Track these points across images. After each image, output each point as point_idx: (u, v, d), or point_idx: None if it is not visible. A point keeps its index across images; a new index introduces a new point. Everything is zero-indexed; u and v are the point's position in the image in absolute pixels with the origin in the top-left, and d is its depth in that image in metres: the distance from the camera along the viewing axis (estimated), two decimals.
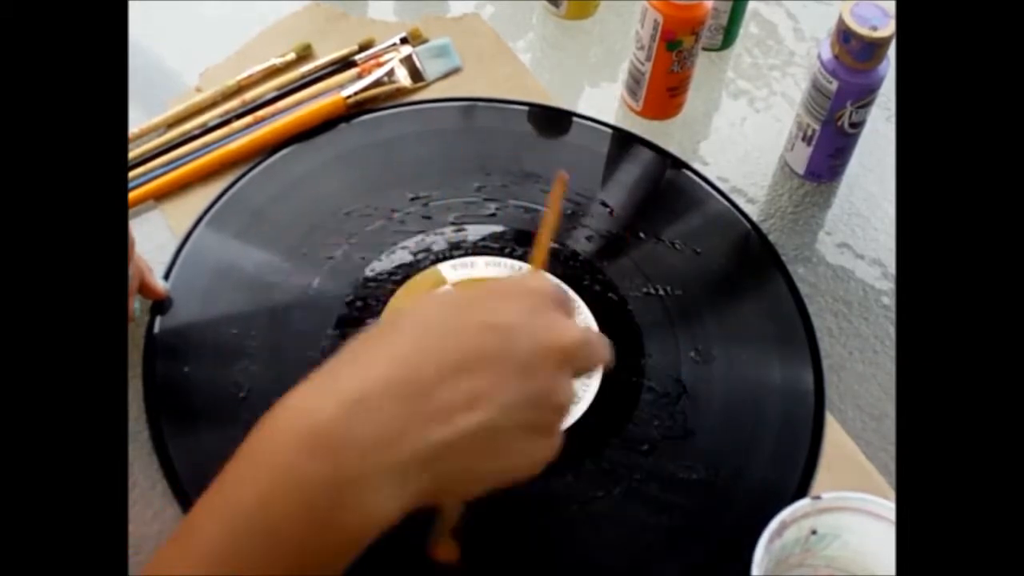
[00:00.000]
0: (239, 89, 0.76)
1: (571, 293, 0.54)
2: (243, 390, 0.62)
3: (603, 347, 0.49)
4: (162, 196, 0.71)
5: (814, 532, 0.54)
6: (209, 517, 0.42)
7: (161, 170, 0.72)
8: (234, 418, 0.60)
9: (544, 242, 0.54)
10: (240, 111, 0.75)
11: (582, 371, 0.48)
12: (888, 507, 0.53)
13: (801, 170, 0.76)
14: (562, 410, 0.46)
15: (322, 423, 0.41)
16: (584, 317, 0.53)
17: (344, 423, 0.41)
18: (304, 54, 0.79)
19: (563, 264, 0.69)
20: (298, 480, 0.40)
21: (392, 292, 0.66)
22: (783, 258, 0.71)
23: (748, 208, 0.74)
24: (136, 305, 0.64)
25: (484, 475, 0.45)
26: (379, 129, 0.75)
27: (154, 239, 0.69)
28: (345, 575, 0.44)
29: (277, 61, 0.78)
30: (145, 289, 0.64)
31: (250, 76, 0.77)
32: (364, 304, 0.66)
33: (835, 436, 0.64)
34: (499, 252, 0.69)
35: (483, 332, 0.44)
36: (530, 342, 0.44)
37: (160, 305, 0.65)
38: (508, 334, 0.44)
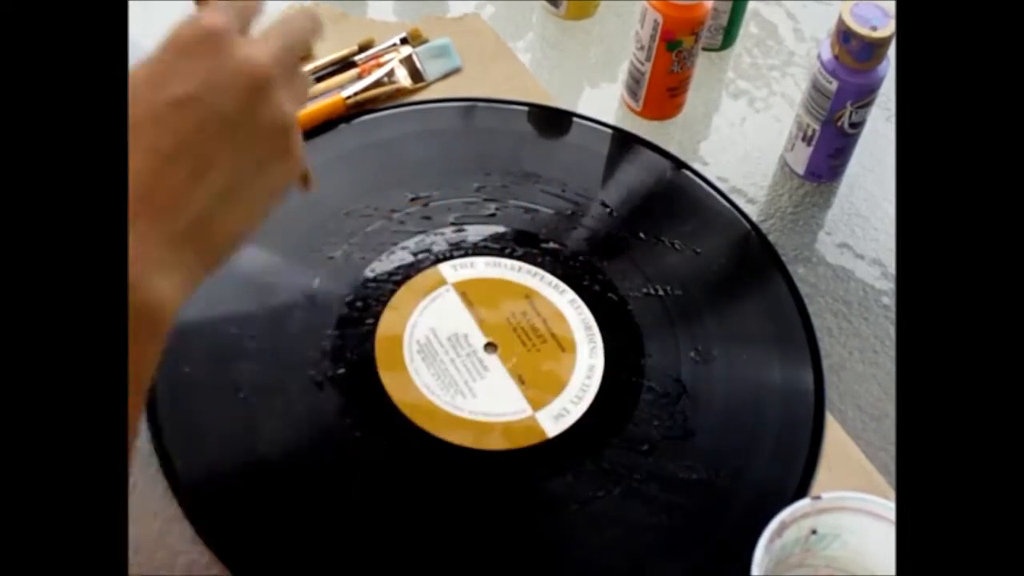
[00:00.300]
0: None
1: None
2: (243, 390, 0.62)
3: (296, 27, 0.48)
4: None
5: (814, 532, 0.54)
6: None
7: None
8: (234, 418, 0.60)
9: None
10: None
11: (291, 66, 0.47)
12: (888, 507, 0.53)
13: (801, 170, 0.76)
14: (286, 129, 0.46)
15: None
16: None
17: None
18: (304, 54, 0.79)
19: (563, 264, 0.69)
20: None
21: (392, 292, 0.66)
22: (783, 258, 0.71)
23: (748, 208, 0.74)
24: None
25: (246, 220, 0.47)
26: (379, 129, 0.75)
27: None
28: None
29: None
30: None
31: None
32: (364, 304, 0.66)
33: (835, 436, 0.64)
34: (499, 252, 0.69)
35: (175, 111, 0.42)
36: (222, 95, 0.43)
37: None
38: (198, 102, 0.43)
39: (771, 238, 0.72)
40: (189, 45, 0.43)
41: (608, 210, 0.72)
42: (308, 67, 0.78)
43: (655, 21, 0.73)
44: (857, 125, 0.73)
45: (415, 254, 0.68)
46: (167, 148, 0.42)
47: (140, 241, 0.41)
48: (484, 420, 0.61)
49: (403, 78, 0.77)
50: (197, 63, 0.43)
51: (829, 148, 0.74)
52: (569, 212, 0.72)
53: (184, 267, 0.43)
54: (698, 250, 0.71)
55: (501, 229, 0.70)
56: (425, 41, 0.80)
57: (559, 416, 0.62)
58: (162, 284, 0.42)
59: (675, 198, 0.74)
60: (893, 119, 0.81)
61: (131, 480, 0.58)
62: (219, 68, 0.43)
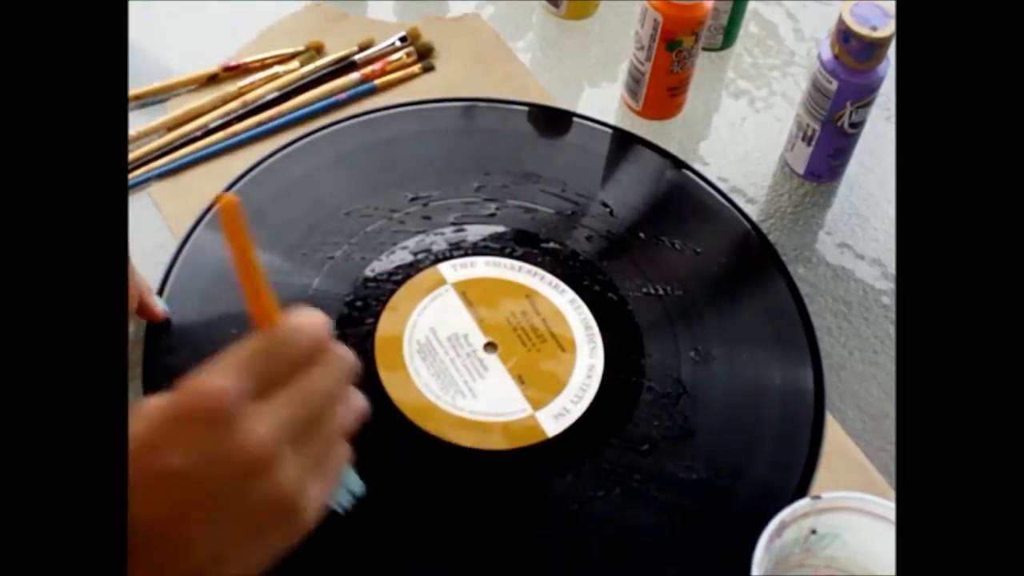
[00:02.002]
0: (240, 92, 0.76)
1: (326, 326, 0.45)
2: None
3: (317, 387, 0.44)
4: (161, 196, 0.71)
5: (814, 532, 0.54)
6: None
7: (161, 171, 0.72)
8: None
9: (249, 289, 0.45)
10: (240, 112, 0.75)
11: (304, 430, 0.43)
12: (888, 507, 0.53)
13: (801, 170, 0.76)
14: (286, 502, 0.42)
15: None
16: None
17: None
18: (316, 46, 0.79)
19: (563, 264, 0.69)
20: None
21: (392, 292, 0.66)
22: (783, 258, 0.71)
23: (748, 208, 0.74)
24: (161, 304, 0.64)
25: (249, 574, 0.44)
26: (379, 129, 0.75)
27: (154, 239, 0.69)
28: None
29: (286, 52, 0.79)
30: (143, 310, 0.62)
31: (263, 60, 0.78)
32: (364, 304, 0.66)
33: (835, 436, 0.64)
34: (499, 252, 0.69)
35: (165, 484, 0.41)
36: (214, 474, 0.41)
37: (158, 327, 0.64)
38: (188, 479, 0.41)
39: (771, 238, 0.72)
40: (190, 415, 0.41)
41: (608, 210, 0.72)
42: (309, 67, 0.78)
43: (655, 21, 0.73)
44: (857, 125, 0.73)
45: (415, 254, 0.68)
46: (155, 518, 0.40)
47: None
48: (484, 420, 0.61)
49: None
50: (195, 436, 0.41)
51: (829, 148, 0.74)
52: (569, 212, 0.72)
53: None
54: (698, 250, 0.71)
55: (501, 229, 0.70)
56: (425, 42, 0.80)
57: (559, 416, 0.62)
58: None
59: (675, 198, 0.74)
60: (893, 119, 0.81)
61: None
62: (215, 445, 0.41)
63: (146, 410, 0.41)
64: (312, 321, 0.44)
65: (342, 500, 0.48)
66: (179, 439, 0.41)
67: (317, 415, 0.44)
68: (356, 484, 0.48)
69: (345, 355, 0.45)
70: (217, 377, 0.42)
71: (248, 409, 0.41)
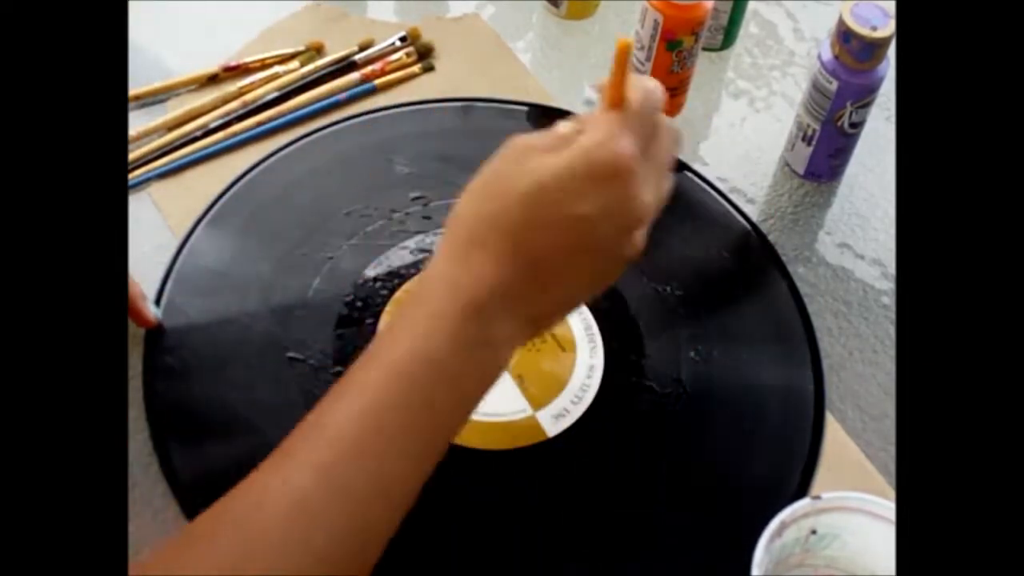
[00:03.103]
0: (240, 92, 0.77)
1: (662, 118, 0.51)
2: (243, 390, 0.62)
3: (672, 154, 0.52)
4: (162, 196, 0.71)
5: (814, 532, 0.54)
6: (363, 369, 0.47)
7: (161, 171, 0.72)
8: (234, 418, 0.60)
9: (618, 78, 0.50)
10: (240, 113, 0.75)
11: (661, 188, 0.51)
12: (888, 507, 0.53)
13: (801, 170, 0.76)
14: (636, 256, 0.50)
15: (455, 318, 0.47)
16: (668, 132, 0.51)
17: (474, 322, 0.47)
18: (316, 46, 0.79)
19: None
20: (451, 329, 0.47)
21: (392, 292, 0.66)
22: (783, 258, 0.71)
23: (748, 208, 0.74)
24: (153, 309, 0.64)
25: (577, 305, 0.53)
26: (379, 129, 0.75)
27: (154, 239, 0.69)
28: None
29: (286, 52, 0.79)
30: (135, 315, 0.63)
31: (263, 60, 0.78)
32: (364, 304, 0.66)
33: (835, 436, 0.64)
34: None
35: (567, 227, 0.47)
36: (610, 227, 0.48)
37: (151, 332, 0.64)
38: (590, 225, 0.47)
39: (771, 238, 0.72)
40: (600, 171, 0.47)
41: None
42: (309, 67, 0.78)
43: (655, 21, 0.73)
44: (857, 125, 0.73)
45: (415, 254, 0.68)
46: (542, 255, 0.48)
47: (494, 323, 0.48)
48: (484, 420, 0.61)
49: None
50: (603, 189, 0.47)
51: (829, 148, 0.74)
52: None
53: (521, 337, 0.50)
54: (698, 250, 0.71)
55: None
56: (424, 42, 0.80)
57: (559, 416, 0.62)
58: (505, 352, 0.49)
59: (675, 198, 0.74)
60: (893, 119, 0.81)
61: (131, 480, 0.58)
62: (617, 200, 0.48)
63: (569, 161, 0.48)
64: (656, 89, 0.51)
65: None
66: (589, 190, 0.47)
67: (666, 172, 0.52)
68: None
69: (672, 123, 0.52)
70: (620, 139, 0.48)
71: (643, 173, 0.49)
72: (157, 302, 0.65)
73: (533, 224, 0.47)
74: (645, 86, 0.50)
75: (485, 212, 0.48)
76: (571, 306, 0.52)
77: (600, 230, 0.48)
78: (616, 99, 0.49)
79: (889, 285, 0.72)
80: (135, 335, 0.63)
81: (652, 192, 0.49)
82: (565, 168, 0.47)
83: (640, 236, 0.50)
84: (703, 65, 0.79)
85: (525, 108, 0.77)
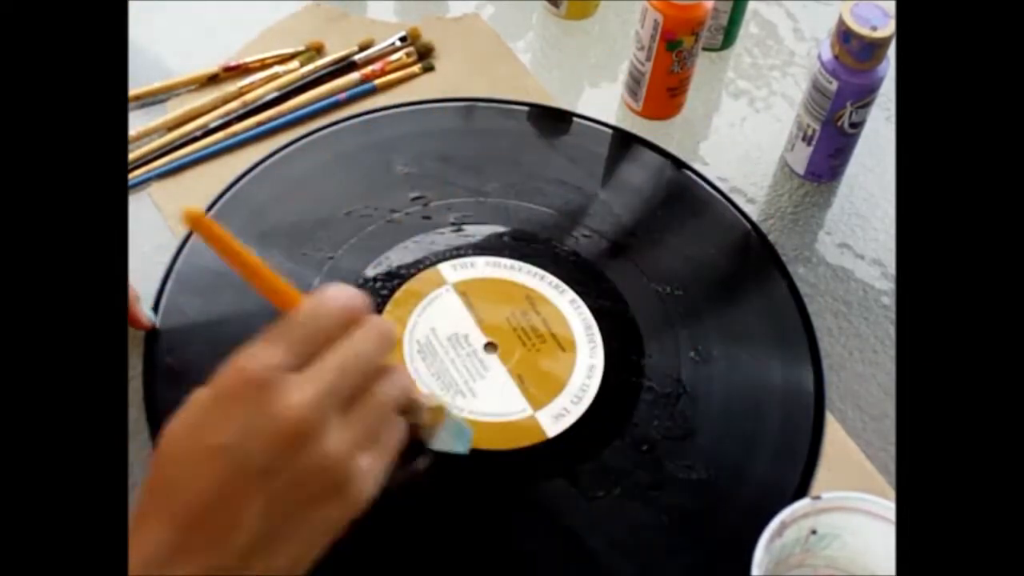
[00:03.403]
0: (240, 92, 0.77)
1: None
2: None
3: (357, 351, 0.44)
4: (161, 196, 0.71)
5: (814, 532, 0.54)
6: None
7: (161, 171, 0.72)
8: None
9: (260, 280, 0.46)
10: (240, 113, 0.75)
11: (346, 400, 0.44)
12: (888, 507, 0.53)
13: (801, 170, 0.76)
14: (334, 470, 0.43)
15: None
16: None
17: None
18: (316, 46, 0.79)
19: (563, 264, 0.69)
20: None
21: (392, 292, 0.66)
22: (783, 258, 0.71)
23: (748, 208, 0.74)
24: (149, 312, 0.64)
25: (295, 560, 0.44)
26: (379, 129, 0.75)
27: (154, 239, 0.69)
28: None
29: (286, 52, 0.79)
30: (129, 318, 0.62)
31: (263, 60, 0.78)
32: None
33: (835, 436, 0.64)
34: (499, 252, 0.69)
35: (209, 460, 0.41)
36: (256, 446, 0.41)
37: (151, 333, 0.63)
38: (230, 452, 0.41)
39: (771, 238, 0.72)
40: (229, 392, 0.42)
41: (608, 210, 0.72)
42: (309, 67, 0.78)
43: (655, 21, 0.73)
44: (857, 125, 0.73)
45: (415, 254, 0.68)
46: (204, 495, 0.41)
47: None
48: (484, 420, 0.61)
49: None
50: (236, 411, 0.42)
51: (829, 148, 0.74)
52: (569, 212, 0.72)
53: None
54: (698, 250, 0.71)
55: (501, 229, 0.70)
56: (425, 42, 0.80)
57: (559, 416, 0.62)
58: None
59: (675, 198, 0.74)
60: (893, 119, 0.81)
61: (131, 480, 0.58)
62: (256, 417, 0.41)
63: (196, 396, 0.42)
64: (340, 292, 0.45)
65: (459, 447, 0.52)
66: (222, 416, 0.42)
67: (361, 384, 0.44)
68: (464, 427, 0.51)
69: (381, 323, 0.45)
70: (255, 352, 0.42)
71: (288, 379, 0.42)
72: (157, 302, 0.65)
73: (170, 471, 0.42)
74: (323, 294, 0.45)
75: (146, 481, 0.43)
76: (284, 548, 0.43)
77: (248, 458, 0.41)
78: (281, 301, 0.45)
79: (889, 285, 0.72)
80: (135, 336, 0.63)
81: (312, 401, 0.42)
82: (199, 404, 0.43)
83: (342, 448, 0.42)
84: (703, 65, 0.79)
85: (525, 108, 0.77)
